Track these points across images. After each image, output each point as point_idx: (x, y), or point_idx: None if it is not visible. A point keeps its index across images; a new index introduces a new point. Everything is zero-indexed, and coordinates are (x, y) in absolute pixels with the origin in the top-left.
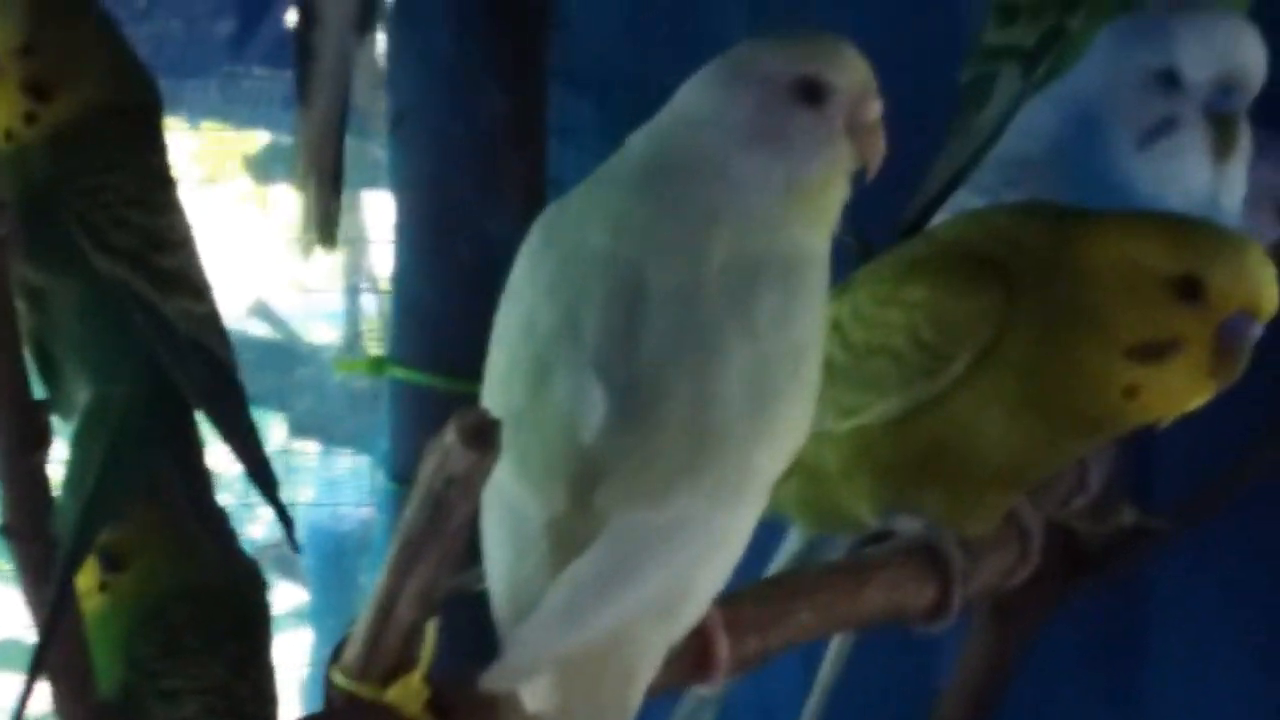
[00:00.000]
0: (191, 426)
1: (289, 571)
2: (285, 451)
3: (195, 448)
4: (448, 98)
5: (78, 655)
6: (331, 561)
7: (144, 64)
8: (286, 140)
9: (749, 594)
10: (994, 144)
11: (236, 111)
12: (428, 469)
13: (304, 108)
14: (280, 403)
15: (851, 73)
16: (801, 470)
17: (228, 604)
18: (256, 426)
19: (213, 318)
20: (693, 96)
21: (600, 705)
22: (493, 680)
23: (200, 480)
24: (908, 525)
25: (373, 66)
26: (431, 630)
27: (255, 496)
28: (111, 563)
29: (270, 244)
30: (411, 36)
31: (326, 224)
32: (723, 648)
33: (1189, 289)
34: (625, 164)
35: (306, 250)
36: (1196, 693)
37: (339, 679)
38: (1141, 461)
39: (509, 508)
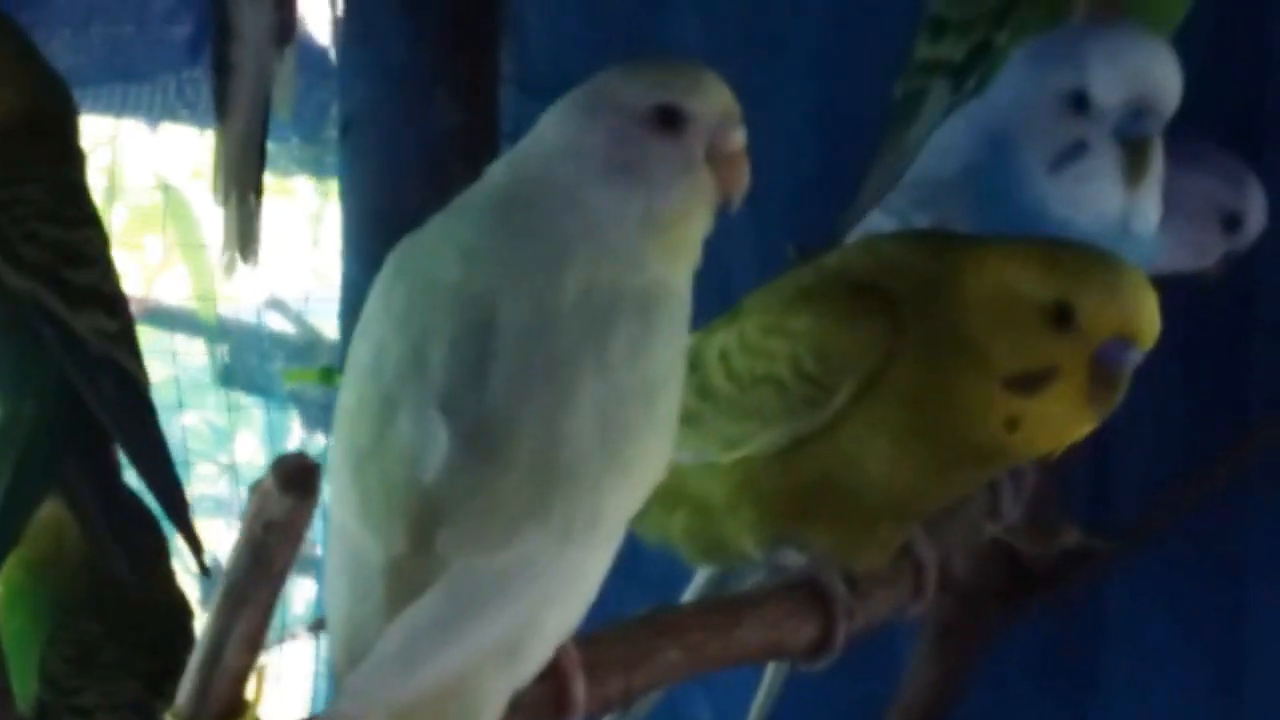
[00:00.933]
0: (106, 438)
1: (306, 569)
2: (301, 448)
3: (109, 459)
4: (399, 105)
5: None
6: None
7: (55, 71)
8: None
9: (612, 633)
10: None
11: (200, 114)
12: (248, 514)
13: (223, 122)
14: (294, 397)
15: (712, 100)
16: (687, 502)
17: (146, 621)
18: (167, 446)
19: (126, 333)
20: (549, 126)
21: None
22: None
23: (114, 493)
24: (791, 559)
25: (291, 80)
26: (261, 675)
27: None
28: None
29: (287, 237)
30: (362, 43)
31: (247, 238)
32: (579, 689)
33: (1062, 316)
34: (481, 194)
35: (229, 267)
36: (1147, 716)
37: None
38: (1096, 481)
39: (350, 549)
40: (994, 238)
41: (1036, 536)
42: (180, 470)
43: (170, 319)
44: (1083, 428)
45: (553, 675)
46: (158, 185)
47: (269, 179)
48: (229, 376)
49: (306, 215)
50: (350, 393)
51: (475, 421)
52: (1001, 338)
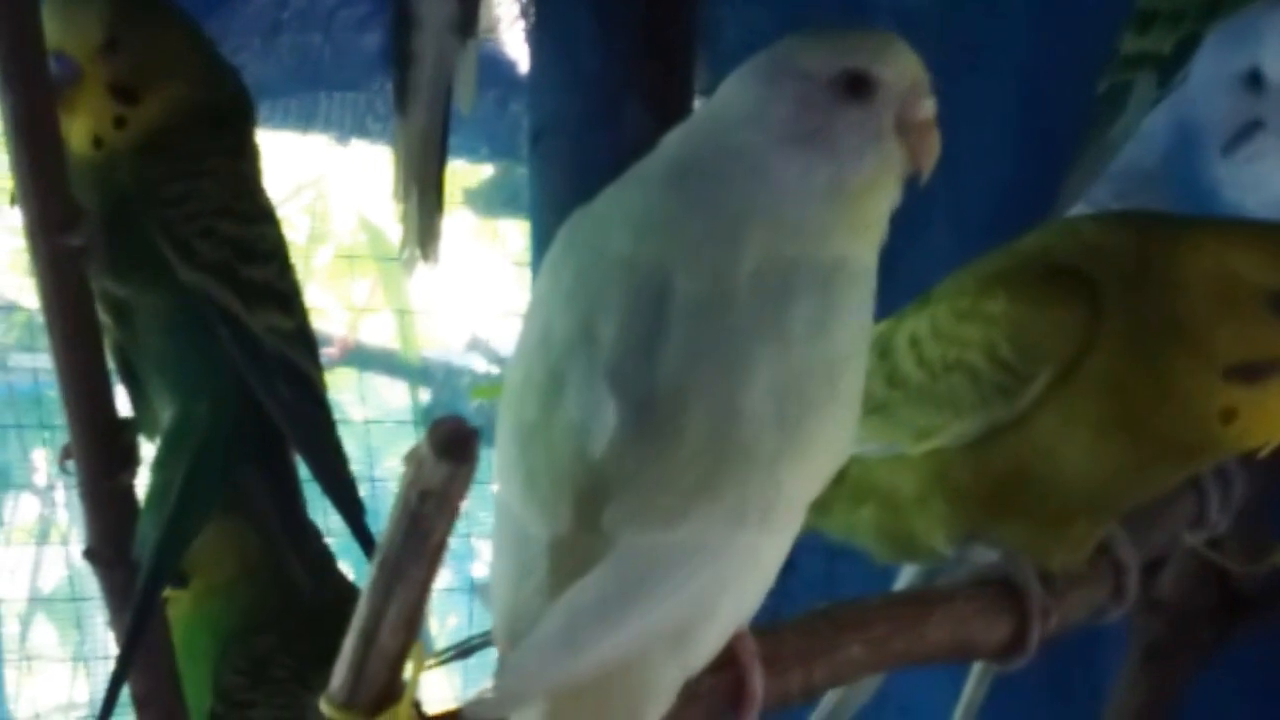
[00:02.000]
0: (282, 443)
1: None
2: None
3: (287, 465)
4: (589, 114)
5: (166, 684)
6: None
7: (229, 64)
8: (518, 171)
9: (793, 625)
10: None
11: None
12: (403, 483)
13: (402, 118)
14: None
15: (901, 67)
16: (875, 496)
17: (319, 630)
18: (342, 447)
19: (301, 332)
20: (730, 93)
21: None
22: (479, 709)
23: (292, 499)
24: (984, 555)
25: (472, 73)
26: (418, 655)
27: None
28: (175, 579)
29: (493, 276)
30: (554, 52)
31: (429, 238)
32: (758, 682)
33: None
34: (654, 164)
35: (409, 266)
36: None
37: (326, 709)
38: None
39: (514, 527)
40: (1207, 219)
41: (1246, 554)
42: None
43: (373, 360)
44: None
45: (730, 666)
46: (361, 227)
47: (473, 221)
48: (430, 418)
49: (511, 257)
50: (517, 369)
51: (645, 396)
52: (1224, 324)
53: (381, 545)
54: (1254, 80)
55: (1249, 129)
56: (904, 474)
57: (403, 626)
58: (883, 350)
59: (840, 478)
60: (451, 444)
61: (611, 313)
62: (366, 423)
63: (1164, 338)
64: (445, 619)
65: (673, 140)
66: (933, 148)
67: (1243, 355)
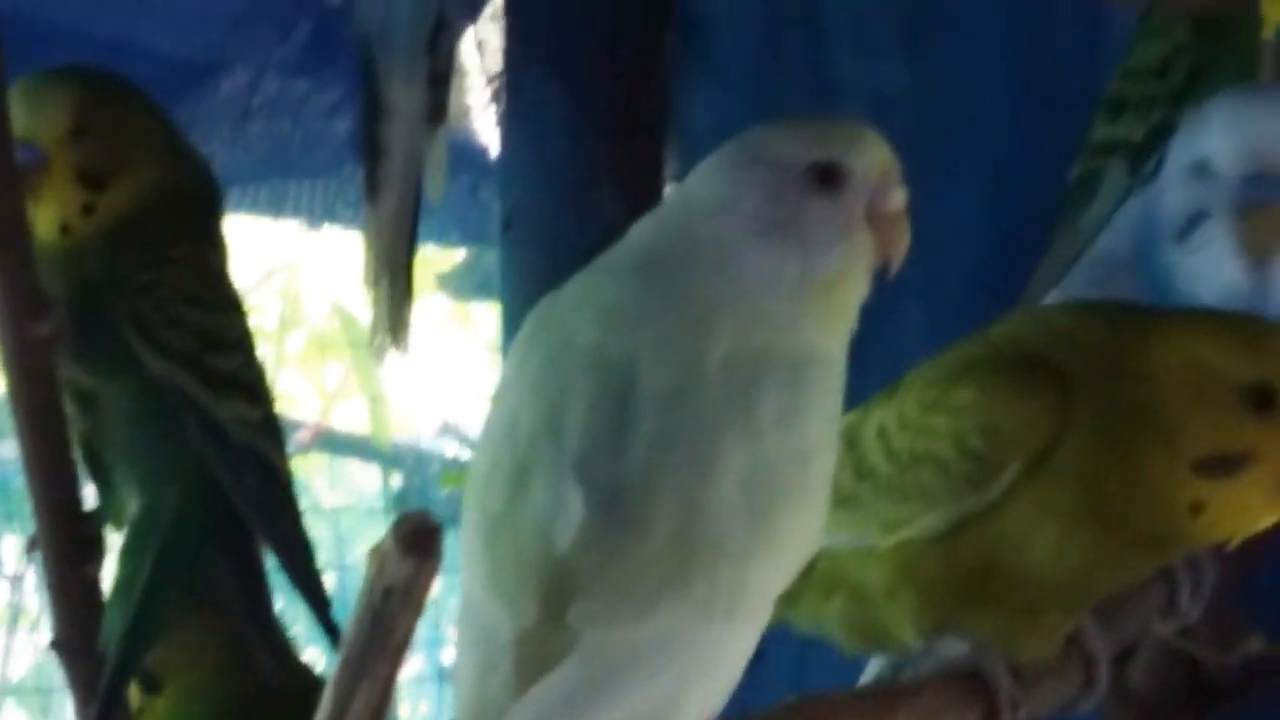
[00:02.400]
0: (249, 535)
1: None
2: None
3: (254, 556)
4: (560, 199)
5: None
6: None
7: (198, 153)
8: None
9: (759, 718)
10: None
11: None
12: (366, 579)
13: (373, 206)
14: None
15: (872, 157)
16: (844, 588)
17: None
18: (309, 538)
19: (268, 422)
20: (700, 182)
21: None
22: None
23: (259, 590)
24: (953, 648)
25: (442, 161)
26: None
27: None
28: (149, 685)
29: (465, 361)
30: (524, 138)
31: (399, 325)
32: None
33: (1261, 398)
34: (623, 253)
35: (380, 353)
36: None
37: None
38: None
39: (479, 619)
40: (1179, 310)
41: (1218, 642)
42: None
43: (344, 446)
44: (1271, 517)
45: None
46: (334, 312)
47: (446, 305)
48: (402, 503)
49: (484, 342)
50: (483, 458)
51: (612, 488)
52: (1195, 417)
53: (345, 642)
54: (1203, 169)
55: (1197, 218)
56: (873, 566)
57: None
58: (851, 441)
59: (809, 569)
60: (416, 540)
61: (579, 404)
62: (336, 510)
63: (1134, 429)
64: (416, 706)
65: (642, 229)
66: (903, 238)
67: (1213, 448)
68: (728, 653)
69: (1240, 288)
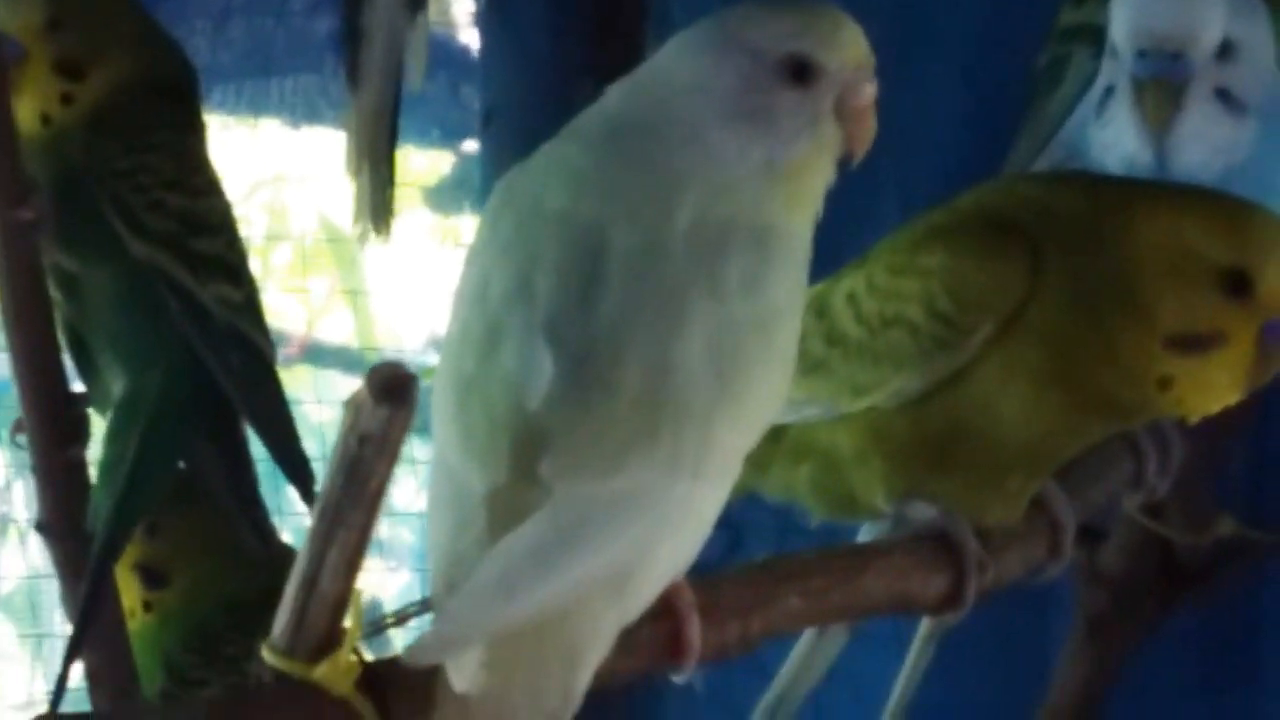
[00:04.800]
0: (233, 416)
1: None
2: None
3: (238, 437)
4: (541, 96)
5: (119, 661)
6: None
7: (173, 40)
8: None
9: (730, 577)
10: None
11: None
12: (342, 428)
13: (354, 93)
14: None
15: (847, 53)
16: (814, 455)
17: (268, 605)
18: (293, 418)
19: (251, 303)
20: (674, 58)
21: (539, 687)
22: (417, 654)
23: (243, 471)
24: (921, 511)
25: (423, 48)
26: (359, 602)
27: None
28: (154, 580)
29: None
30: (504, 35)
31: (381, 212)
32: (695, 632)
33: (1239, 282)
34: (593, 120)
35: (362, 240)
36: None
37: (267, 655)
38: (1254, 469)
39: (451, 479)
40: (1163, 185)
41: (1189, 525)
42: None
43: (331, 357)
44: (1234, 397)
45: (667, 616)
46: (321, 225)
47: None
48: None
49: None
50: (455, 322)
51: (581, 348)
52: (1171, 295)
53: (321, 492)
54: (1112, 48)
55: (1108, 93)
56: (842, 432)
57: (343, 573)
58: (820, 309)
59: (778, 436)
60: (390, 388)
61: (548, 267)
62: (323, 425)
63: (1108, 300)
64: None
65: (613, 97)
66: (868, 134)
67: (1185, 327)
68: (695, 510)
69: (1141, 158)
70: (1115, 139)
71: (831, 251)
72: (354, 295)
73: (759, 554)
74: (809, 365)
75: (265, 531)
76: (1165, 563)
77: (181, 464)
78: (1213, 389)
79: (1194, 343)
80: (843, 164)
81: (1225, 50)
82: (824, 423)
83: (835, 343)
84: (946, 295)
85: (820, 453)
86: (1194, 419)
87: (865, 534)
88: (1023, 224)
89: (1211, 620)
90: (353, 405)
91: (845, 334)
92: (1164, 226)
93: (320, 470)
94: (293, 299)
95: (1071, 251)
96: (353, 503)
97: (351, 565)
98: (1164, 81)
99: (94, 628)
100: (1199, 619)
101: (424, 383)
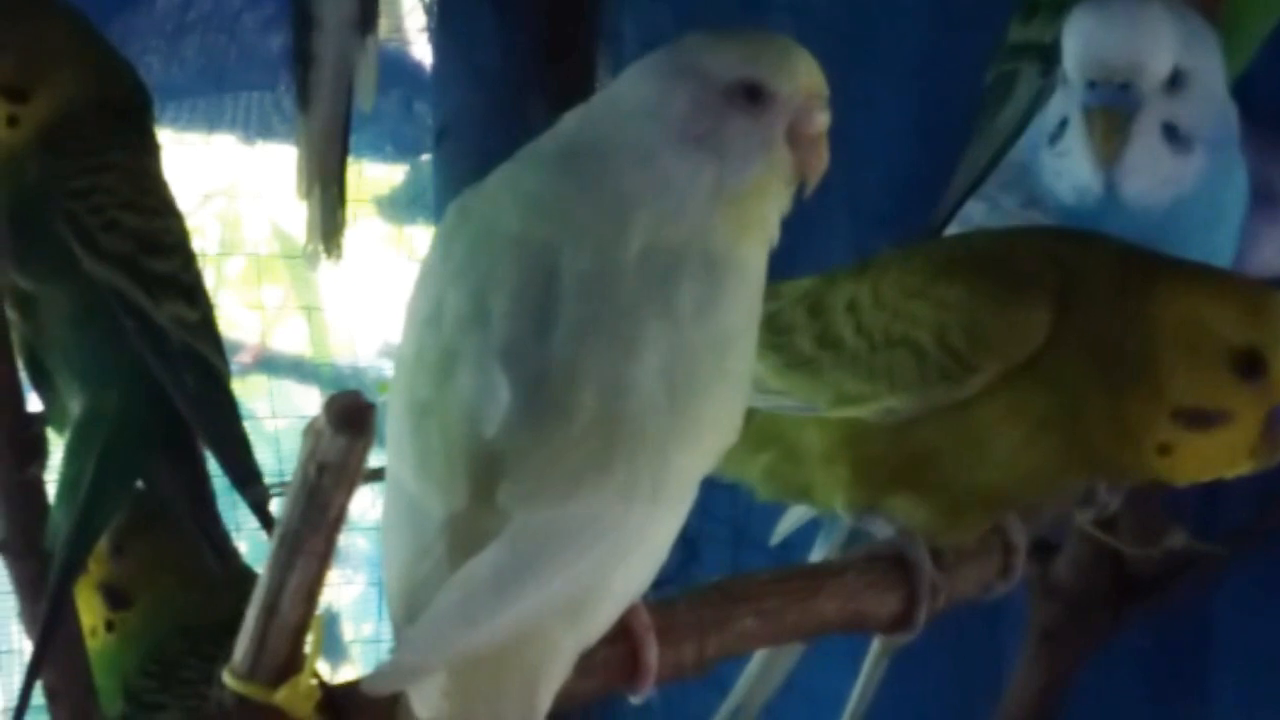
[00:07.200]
0: (191, 435)
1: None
2: None
3: (195, 456)
4: (493, 112)
5: (78, 678)
6: None
7: (126, 60)
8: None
9: (686, 598)
10: (1014, 143)
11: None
12: (301, 457)
13: (304, 115)
14: None
15: (799, 80)
16: (777, 446)
17: (227, 630)
18: (248, 438)
19: (206, 323)
20: (629, 85)
21: (500, 712)
22: (378, 682)
23: (201, 490)
24: (880, 528)
25: (373, 70)
26: (320, 628)
27: None
28: (117, 599)
29: (403, 283)
30: (456, 51)
31: (332, 234)
32: (652, 654)
33: (1251, 364)
34: (548, 144)
35: (312, 261)
36: None
37: (229, 680)
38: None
39: (409, 504)
40: (1189, 264)
41: (1140, 538)
42: None
43: (285, 367)
44: (1233, 472)
45: (624, 638)
46: (274, 234)
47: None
48: None
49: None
50: (408, 345)
51: (537, 373)
52: (1184, 369)
53: (281, 519)
54: (1064, 77)
55: (1062, 124)
56: (814, 431)
57: (303, 599)
58: (814, 308)
59: (745, 419)
60: (349, 417)
61: (503, 291)
62: (278, 433)
63: (1122, 364)
64: (360, 627)
65: (569, 123)
66: (820, 161)
67: (1195, 401)
68: (651, 535)
69: (1092, 186)
70: (1068, 167)
71: (783, 263)
72: (308, 306)
73: (714, 568)
74: (794, 361)
75: (225, 551)
76: (1117, 575)
77: (140, 483)
78: (1209, 463)
79: (1201, 418)
80: (797, 191)
81: (1175, 80)
82: (796, 417)
83: (828, 346)
84: (961, 331)
85: (785, 445)
86: (1180, 485)
87: (819, 551)
88: (1049, 278)
89: (1163, 632)
90: (312, 433)
91: (841, 340)
92: (1185, 302)
93: (273, 483)
94: (247, 310)
95: (1092, 312)
96: (312, 530)
97: (311, 591)
98: (1112, 111)
99: (54, 646)
100: (1150, 631)
101: (380, 396)
